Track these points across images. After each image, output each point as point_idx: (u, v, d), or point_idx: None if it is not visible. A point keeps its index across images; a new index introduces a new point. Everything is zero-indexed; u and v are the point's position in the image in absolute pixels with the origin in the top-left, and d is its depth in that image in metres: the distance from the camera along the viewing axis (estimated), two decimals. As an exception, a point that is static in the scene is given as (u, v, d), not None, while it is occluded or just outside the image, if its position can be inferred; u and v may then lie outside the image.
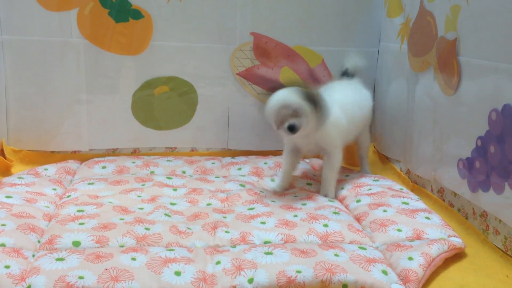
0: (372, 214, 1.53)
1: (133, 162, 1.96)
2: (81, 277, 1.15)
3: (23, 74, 1.95)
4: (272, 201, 1.64)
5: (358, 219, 1.55)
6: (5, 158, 1.91)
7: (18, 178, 1.73)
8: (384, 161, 2.07)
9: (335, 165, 1.73)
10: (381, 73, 2.11)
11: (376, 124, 2.14)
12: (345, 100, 1.76)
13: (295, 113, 1.57)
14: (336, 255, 1.29)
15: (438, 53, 1.65)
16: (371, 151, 2.15)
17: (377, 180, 1.82)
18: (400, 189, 1.74)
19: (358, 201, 1.65)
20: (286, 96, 1.58)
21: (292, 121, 1.57)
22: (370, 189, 1.72)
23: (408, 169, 1.90)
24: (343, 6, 2.08)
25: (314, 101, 1.58)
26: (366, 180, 1.81)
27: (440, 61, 1.64)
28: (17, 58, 1.94)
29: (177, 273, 1.20)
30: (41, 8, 1.90)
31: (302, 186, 1.81)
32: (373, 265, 1.26)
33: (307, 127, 1.59)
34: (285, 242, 1.38)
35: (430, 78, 1.70)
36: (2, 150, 1.94)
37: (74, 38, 1.94)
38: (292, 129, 1.57)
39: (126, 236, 1.35)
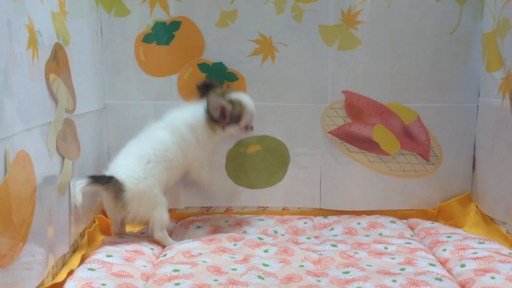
0: (479, 281, 1.42)
1: (226, 221, 1.98)
2: None
3: (124, 136, 2.04)
4: (368, 265, 1.58)
5: (463, 286, 1.44)
6: (106, 217, 2.00)
7: (119, 237, 1.80)
8: (488, 222, 1.94)
9: None
10: (482, 129, 2.01)
11: (478, 182, 2.03)
12: None
13: None
14: (441, 326, 1.20)
15: (545, 107, 1.55)
16: (473, 211, 2.03)
17: (482, 243, 1.70)
18: (509, 253, 1.61)
19: (463, 265, 1.55)
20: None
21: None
22: (475, 253, 1.61)
23: (516, 232, 1.77)
24: (437, 61, 2.03)
25: None
26: (470, 243, 1.70)
27: (548, 116, 1.54)
28: (119, 121, 2.06)
29: None
30: (145, 75, 2.03)
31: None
32: None
33: None
34: (384, 309, 1.31)
35: (538, 134, 1.59)
36: (104, 209, 2.03)
37: (174, 101, 2.03)
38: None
39: (220, 298, 1.35)
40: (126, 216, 1.76)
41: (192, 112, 1.86)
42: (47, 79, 1.41)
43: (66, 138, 1.55)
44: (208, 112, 1.81)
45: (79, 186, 1.63)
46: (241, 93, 1.90)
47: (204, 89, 1.91)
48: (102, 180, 1.70)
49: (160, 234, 1.78)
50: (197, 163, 1.88)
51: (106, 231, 1.94)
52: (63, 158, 1.53)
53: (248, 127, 1.89)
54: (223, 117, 1.82)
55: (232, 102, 1.83)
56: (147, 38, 2.01)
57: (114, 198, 1.72)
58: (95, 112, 1.90)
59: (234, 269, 1.54)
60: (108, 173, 1.74)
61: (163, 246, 1.78)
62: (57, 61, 1.50)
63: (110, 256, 1.59)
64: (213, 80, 1.94)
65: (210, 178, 1.93)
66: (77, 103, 1.65)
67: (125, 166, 1.75)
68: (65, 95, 1.54)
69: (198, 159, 1.87)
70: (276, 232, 1.92)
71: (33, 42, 1.33)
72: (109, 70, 2.03)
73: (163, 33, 2.00)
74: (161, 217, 1.77)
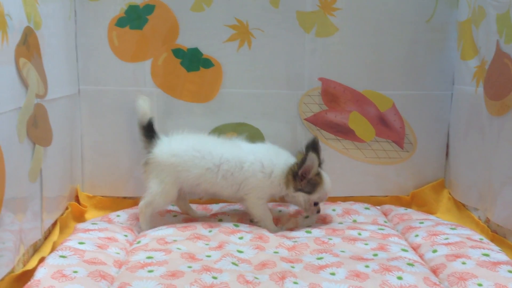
0: (450, 266, 1.44)
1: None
2: (149, 327, 1.15)
3: (98, 122, 2.03)
4: (341, 251, 1.59)
5: (434, 271, 1.46)
6: (79, 204, 1.98)
7: (92, 224, 1.78)
8: (461, 209, 1.97)
9: None
10: (456, 117, 2.03)
11: (451, 169, 2.05)
12: None
13: None
14: (412, 311, 1.22)
15: (517, 95, 1.57)
16: (446, 198, 2.05)
17: (454, 229, 1.73)
18: (480, 239, 1.64)
19: (435, 251, 1.57)
20: None
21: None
22: (447, 239, 1.63)
23: (487, 218, 1.79)
24: (413, 49, 2.04)
25: None
26: (443, 229, 1.72)
27: (519, 104, 1.56)
28: (92, 107, 2.03)
29: (245, 326, 1.18)
30: (118, 60, 2.00)
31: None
32: (452, 323, 1.18)
33: None
34: (357, 295, 1.32)
35: (510, 122, 1.61)
36: (77, 196, 2.01)
37: (147, 87, 2.01)
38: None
39: (193, 285, 1.34)
40: (142, 173, 1.83)
41: (285, 157, 1.83)
42: (17, 63, 1.38)
43: (37, 124, 1.52)
44: (301, 163, 1.76)
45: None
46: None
47: (311, 147, 1.82)
48: (152, 128, 1.81)
49: (143, 207, 1.78)
50: (253, 195, 1.81)
51: (79, 218, 1.92)
52: (34, 144, 1.51)
53: (316, 205, 1.83)
54: (302, 177, 1.77)
55: (318, 172, 1.79)
56: (120, 22, 1.98)
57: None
58: (68, 98, 1.87)
59: (209, 256, 1.54)
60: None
61: (138, 231, 1.78)
62: (28, 45, 1.46)
63: (83, 243, 1.57)
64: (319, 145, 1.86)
65: (263, 214, 1.83)
66: (48, 88, 1.62)
67: (173, 140, 1.81)
68: (35, 80, 1.51)
69: (256, 192, 1.81)
70: (252, 220, 1.91)
71: (2, 26, 1.29)
72: (82, 55, 1.99)
73: (137, 17, 1.97)
74: (155, 195, 1.77)
